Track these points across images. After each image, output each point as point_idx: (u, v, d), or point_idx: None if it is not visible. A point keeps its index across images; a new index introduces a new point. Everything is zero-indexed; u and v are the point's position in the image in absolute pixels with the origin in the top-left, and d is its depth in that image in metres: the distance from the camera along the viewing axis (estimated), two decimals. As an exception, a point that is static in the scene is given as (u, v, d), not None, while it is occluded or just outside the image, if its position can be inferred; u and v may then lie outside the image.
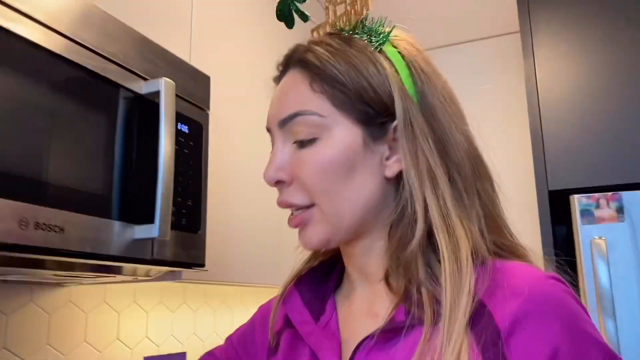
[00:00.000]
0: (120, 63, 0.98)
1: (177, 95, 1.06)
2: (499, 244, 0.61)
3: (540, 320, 0.52)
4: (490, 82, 2.68)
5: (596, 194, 1.81)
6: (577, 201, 1.81)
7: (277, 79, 0.70)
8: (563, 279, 0.57)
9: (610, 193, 1.80)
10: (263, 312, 0.80)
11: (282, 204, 0.65)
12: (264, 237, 1.61)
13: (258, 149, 1.62)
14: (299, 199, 0.63)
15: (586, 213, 1.79)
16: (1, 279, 1.13)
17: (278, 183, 0.64)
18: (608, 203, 1.78)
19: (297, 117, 0.63)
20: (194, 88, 1.19)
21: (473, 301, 0.53)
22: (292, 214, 0.65)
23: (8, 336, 1.19)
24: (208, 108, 1.23)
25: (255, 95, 1.66)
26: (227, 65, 1.55)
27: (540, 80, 2.07)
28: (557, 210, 1.96)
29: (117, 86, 0.97)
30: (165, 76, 1.05)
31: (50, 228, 0.78)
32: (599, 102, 1.98)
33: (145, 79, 1.03)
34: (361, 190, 0.62)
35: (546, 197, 1.94)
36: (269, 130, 0.68)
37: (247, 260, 1.51)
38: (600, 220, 1.77)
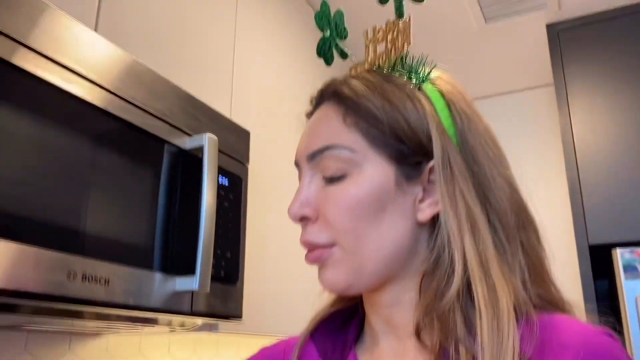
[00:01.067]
0: (166, 119, 1.02)
1: (218, 150, 1.09)
2: (544, 297, 0.57)
3: None
4: (526, 134, 2.67)
5: (639, 249, 1.76)
6: (620, 256, 1.76)
7: (310, 114, 0.67)
8: (614, 334, 0.53)
9: (654, 248, 1.75)
10: (265, 357, 0.74)
11: (305, 243, 0.61)
12: (300, 289, 1.61)
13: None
14: (322, 238, 0.59)
15: (630, 268, 1.73)
16: (40, 329, 1.14)
17: (303, 219, 0.60)
18: (652, 258, 1.72)
19: (327, 151, 0.59)
20: (235, 143, 1.22)
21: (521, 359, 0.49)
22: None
23: (46, 386, 1.20)
24: (247, 162, 1.26)
25: (293, 149, 1.69)
26: (266, 119, 1.58)
27: (577, 133, 2.06)
28: (598, 264, 1.91)
29: (162, 141, 1.00)
30: (207, 131, 1.09)
31: (96, 280, 0.80)
32: (638, 154, 1.95)
33: (188, 135, 1.06)
34: (390, 234, 0.57)
35: (587, 251, 1.90)
36: (297, 164, 0.64)
37: (283, 311, 1.51)
38: (645, 276, 1.71)
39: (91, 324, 1.04)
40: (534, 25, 2.28)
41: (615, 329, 0.55)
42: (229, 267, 1.12)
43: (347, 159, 0.58)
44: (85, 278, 0.79)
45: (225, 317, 1.11)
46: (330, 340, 0.64)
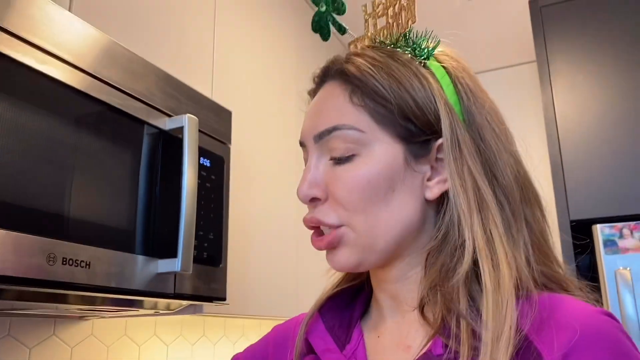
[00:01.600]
0: (145, 100, 1.00)
1: (199, 130, 1.08)
2: (547, 275, 0.57)
3: (593, 357, 0.48)
4: (507, 111, 2.68)
5: (619, 224, 1.79)
6: (600, 231, 1.79)
7: (313, 92, 0.66)
8: (614, 316, 0.53)
9: (633, 223, 1.77)
10: (277, 334, 0.75)
11: (312, 222, 0.60)
12: (283, 271, 1.61)
13: (278, 182, 1.63)
14: (331, 218, 0.58)
15: (610, 243, 1.76)
16: (24, 312, 1.14)
17: (312, 200, 0.60)
18: (632, 233, 1.75)
19: (334, 132, 0.59)
20: (216, 123, 1.21)
21: (517, 336, 0.49)
22: (316, 233, 0.61)
23: (31, 370, 1.20)
24: (230, 142, 1.25)
25: (276, 128, 1.68)
26: (247, 99, 1.57)
27: (559, 110, 2.07)
28: (579, 240, 1.94)
29: (141, 122, 0.99)
30: (188, 112, 1.08)
31: (77, 263, 0.80)
32: (619, 131, 1.97)
33: (168, 115, 1.05)
34: (400, 212, 0.58)
35: (568, 227, 1.92)
36: (302, 144, 0.63)
37: (267, 293, 1.51)
38: (625, 250, 1.74)
39: (75, 308, 1.04)
40: (516, 2, 2.28)
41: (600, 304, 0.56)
42: (212, 249, 1.12)
43: (355, 139, 0.58)
44: (66, 262, 0.78)
45: (210, 299, 1.11)
46: (337, 317, 0.65)
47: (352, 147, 0.58)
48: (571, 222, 1.93)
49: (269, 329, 0.78)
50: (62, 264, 0.78)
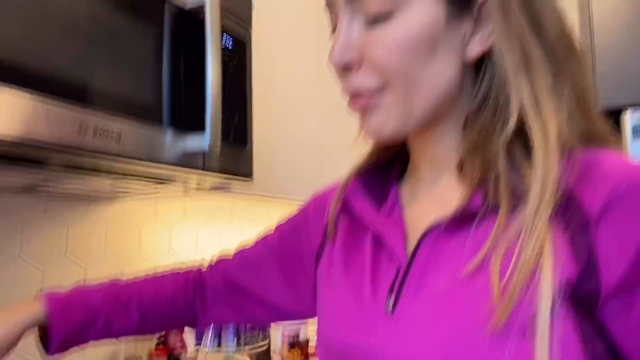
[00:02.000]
0: (165, -25, 0.97)
1: (221, 9, 1.05)
2: (590, 131, 0.56)
3: (633, 205, 0.48)
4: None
5: (650, 111, 1.75)
6: (630, 116, 1.76)
7: None
8: None
9: (664, 110, 1.73)
10: (316, 200, 0.77)
11: (352, 91, 0.57)
12: (310, 152, 1.64)
13: (301, 66, 1.61)
14: (372, 82, 0.55)
15: (638, 129, 1.73)
16: (58, 192, 1.18)
17: (345, 68, 0.56)
18: (662, 119, 1.72)
19: None
20: (237, 7, 1.18)
21: (560, 190, 0.49)
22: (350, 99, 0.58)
23: (69, 245, 1.27)
24: (250, 26, 1.23)
25: (300, 12, 1.64)
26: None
27: (595, -7, 1.97)
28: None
29: (162, 0, 0.97)
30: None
31: (107, 134, 0.81)
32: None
33: (189, -9, 1.03)
34: (441, 73, 0.55)
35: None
36: (329, 6, 0.58)
37: (293, 174, 1.55)
38: (653, 136, 1.72)
39: (107, 183, 1.07)
40: None
41: None
42: (237, 129, 1.13)
43: None
44: (97, 132, 0.80)
45: (237, 174, 1.14)
46: (374, 179, 0.66)
47: (389, 3, 0.53)
48: (600, 111, 1.89)
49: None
50: (94, 134, 0.80)
